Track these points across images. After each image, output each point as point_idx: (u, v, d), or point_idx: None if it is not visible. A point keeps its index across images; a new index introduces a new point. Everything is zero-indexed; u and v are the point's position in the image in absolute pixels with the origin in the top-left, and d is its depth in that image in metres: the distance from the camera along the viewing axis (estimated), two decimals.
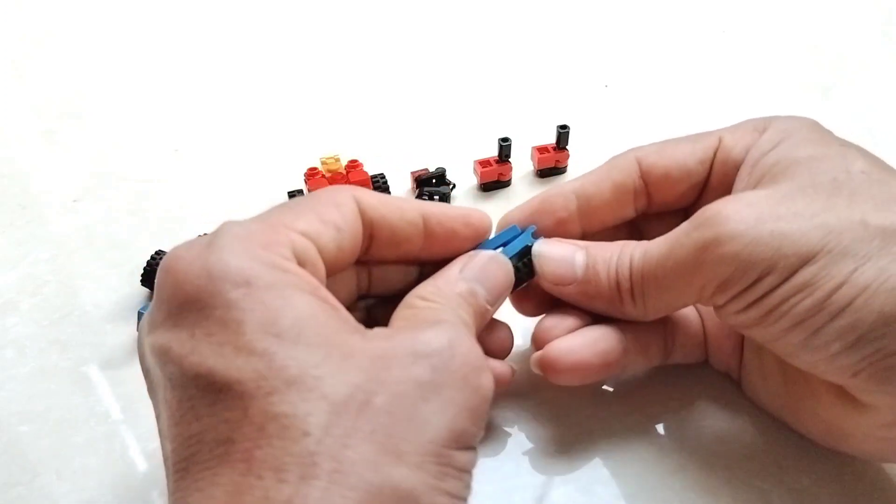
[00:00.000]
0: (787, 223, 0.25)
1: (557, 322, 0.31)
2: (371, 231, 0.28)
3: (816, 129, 0.29)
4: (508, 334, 0.31)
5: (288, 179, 0.45)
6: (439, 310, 0.26)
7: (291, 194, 0.43)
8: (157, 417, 0.24)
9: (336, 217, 0.26)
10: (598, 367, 0.30)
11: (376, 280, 0.30)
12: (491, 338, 0.31)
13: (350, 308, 0.27)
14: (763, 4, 0.65)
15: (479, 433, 0.24)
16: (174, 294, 0.23)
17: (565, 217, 0.31)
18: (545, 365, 0.30)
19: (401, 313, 0.27)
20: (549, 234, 0.31)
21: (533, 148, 0.46)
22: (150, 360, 0.23)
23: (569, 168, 0.47)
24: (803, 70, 0.57)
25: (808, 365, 0.26)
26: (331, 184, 0.42)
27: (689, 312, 0.33)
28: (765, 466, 0.30)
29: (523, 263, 0.30)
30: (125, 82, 0.57)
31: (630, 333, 0.31)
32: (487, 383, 0.24)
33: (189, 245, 0.24)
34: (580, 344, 0.30)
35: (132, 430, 0.33)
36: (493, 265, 0.29)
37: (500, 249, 0.30)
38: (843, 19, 0.63)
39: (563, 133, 0.45)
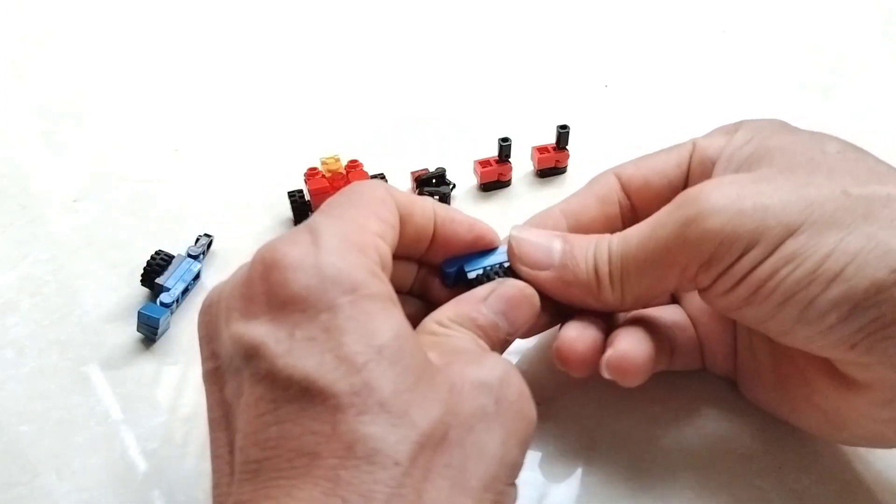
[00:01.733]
0: (769, 197, 0.25)
1: (580, 332, 0.30)
2: (401, 227, 0.27)
3: (786, 125, 0.30)
4: None
5: (288, 179, 0.45)
6: (459, 339, 0.26)
7: (291, 194, 0.43)
8: (217, 403, 0.23)
9: (388, 216, 0.26)
10: (653, 363, 0.30)
11: None
12: None
13: None
14: (763, 4, 0.65)
15: (523, 466, 0.24)
16: (279, 289, 0.22)
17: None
18: (617, 368, 0.29)
19: (420, 339, 0.26)
20: None
21: (533, 148, 0.46)
22: (230, 348, 0.23)
23: (569, 168, 0.47)
24: (803, 70, 0.57)
25: (804, 341, 0.26)
26: (331, 184, 0.42)
27: (684, 320, 0.33)
28: (765, 466, 0.30)
29: (503, 272, 0.30)
30: (125, 82, 0.57)
31: (659, 329, 0.31)
32: (535, 414, 0.24)
33: (292, 241, 0.23)
34: (637, 341, 0.29)
35: (132, 430, 0.33)
36: (520, 297, 0.28)
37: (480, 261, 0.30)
38: (843, 19, 0.63)
39: (563, 133, 0.45)
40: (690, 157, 0.31)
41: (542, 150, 0.46)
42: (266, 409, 0.21)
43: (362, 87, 0.55)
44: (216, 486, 0.22)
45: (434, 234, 0.29)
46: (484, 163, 0.45)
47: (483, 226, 0.30)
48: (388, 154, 0.47)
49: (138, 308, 0.36)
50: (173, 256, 0.39)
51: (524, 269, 0.30)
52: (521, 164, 0.46)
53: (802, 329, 0.25)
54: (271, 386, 0.21)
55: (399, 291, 0.30)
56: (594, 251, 0.29)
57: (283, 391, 0.21)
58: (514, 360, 0.35)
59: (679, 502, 0.30)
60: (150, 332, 0.36)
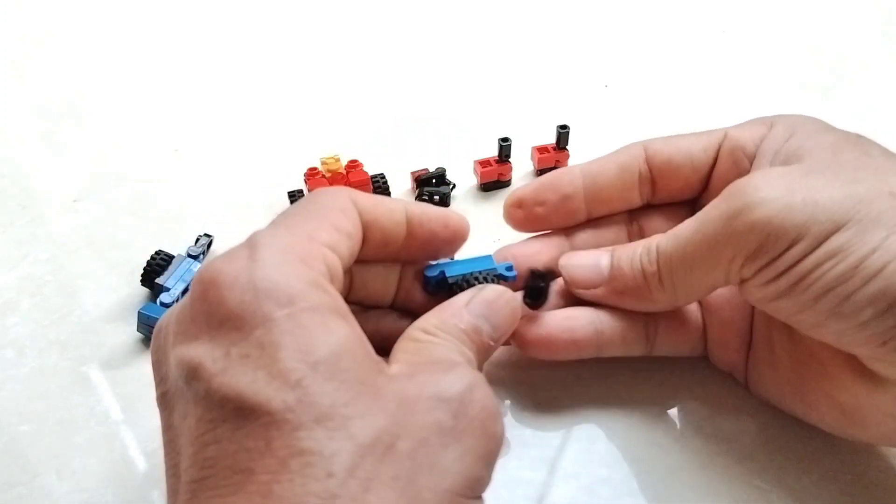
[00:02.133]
0: (818, 192, 0.25)
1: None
2: (365, 233, 0.27)
3: (826, 125, 0.30)
4: None
5: (288, 179, 0.45)
6: (445, 347, 0.26)
7: (291, 194, 0.43)
8: (167, 427, 0.23)
9: (346, 224, 0.26)
10: (565, 343, 0.31)
11: (357, 285, 0.30)
12: None
13: None
14: (763, 4, 0.65)
15: (489, 481, 0.23)
16: (215, 309, 0.22)
17: (570, 192, 0.32)
18: (515, 336, 0.31)
19: (405, 346, 0.26)
20: (555, 209, 0.32)
21: (533, 148, 0.46)
22: (175, 371, 0.23)
23: None
24: (803, 70, 0.57)
25: (835, 335, 0.26)
26: (331, 184, 0.42)
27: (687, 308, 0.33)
28: (765, 466, 0.30)
29: (483, 277, 0.30)
30: (125, 82, 0.57)
31: (607, 317, 0.31)
32: (501, 430, 0.24)
33: (230, 258, 0.23)
34: (549, 319, 0.31)
35: (132, 430, 0.33)
36: (500, 301, 0.28)
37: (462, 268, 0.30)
38: (843, 19, 0.63)
39: (563, 133, 0.45)
40: (720, 144, 0.31)
41: (542, 150, 0.46)
42: (205, 429, 0.21)
43: (362, 87, 0.55)
44: None
45: (411, 235, 0.29)
46: (484, 163, 0.45)
47: (456, 220, 0.30)
48: (388, 154, 0.47)
49: (138, 308, 0.36)
50: (173, 256, 0.39)
51: (580, 292, 0.31)
52: (521, 164, 0.46)
53: (836, 323, 0.25)
54: (208, 406, 0.21)
55: (381, 302, 0.30)
56: (639, 256, 0.29)
57: (219, 410, 0.21)
58: (511, 363, 0.35)
59: (679, 502, 0.30)
60: (150, 332, 0.36)
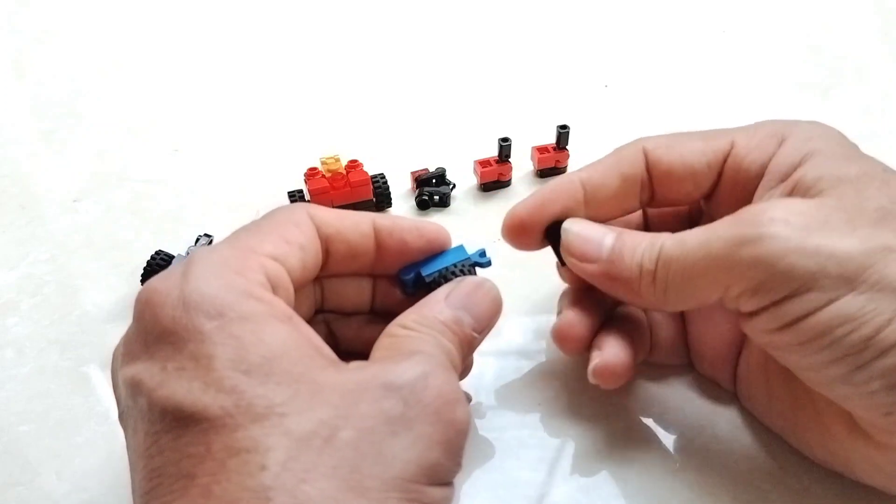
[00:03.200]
0: (834, 241, 0.24)
1: (578, 319, 0.31)
2: (327, 246, 0.28)
3: (846, 144, 0.28)
4: (470, 360, 0.31)
5: (288, 179, 0.45)
6: (420, 339, 0.25)
7: (291, 194, 0.43)
8: (127, 447, 0.24)
9: (298, 236, 0.26)
10: (634, 367, 0.31)
11: (330, 294, 0.30)
12: None
13: (310, 322, 0.27)
14: (763, 4, 0.65)
15: (455, 468, 0.23)
16: (151, 326, 0.23)
17: (572, 206, 0.31)
18: (605, 374, 0.30)
19: (382, 342, 0.26)
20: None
21: (533, 148, 0.46)
22: (123, 391, 0.24)
23: (569, 168, 0.47)
24: (803, 70, 0.57)
25: (839, 397, 0.25)
26: (331, 184, 0.42)
27: (665, 315, 0.33)
28: (765, 466, 0.30)
29: (459, 270, 0.30)
30: (125, 82, 0.57)
31: (639, 329, 0.32)
32: (463, 416, 0.23)
33: (166, 276, 0.24)
34: (620, 349, 0.30)
35: None
36: (480, 292, 0.28)
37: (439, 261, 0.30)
38: (843, 20, 0.63)
39: (563, 133, 0.45)
40: (725, 158, 0.30)
41: (542, 150, 0.46)
42: (150, 441, 0.22)
43: (362, 87, 0.55)
44: None
45: (382, 247, 0.29)
46: (484, 163, 0.45)
47: (431, 227, 0.30)
48: (388, 154, 0.47)
49: None
50: (173, 256, 0.39)
51: (572, 261, 0.30)
52: (522, 164, 0.46)
53: (843, 388, 0.24)
54: (151, 420, 0.22)
55: (359, 309, 0.30)
56: (643, 250, 0.28)
57: (160, 423, 0.22)
58: (514, 362, 0.35)
59: (679, 502, 0.30)
60: None
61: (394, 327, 0.26)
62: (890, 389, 0.23)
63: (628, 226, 0.32)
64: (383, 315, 0.30)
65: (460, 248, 0.30)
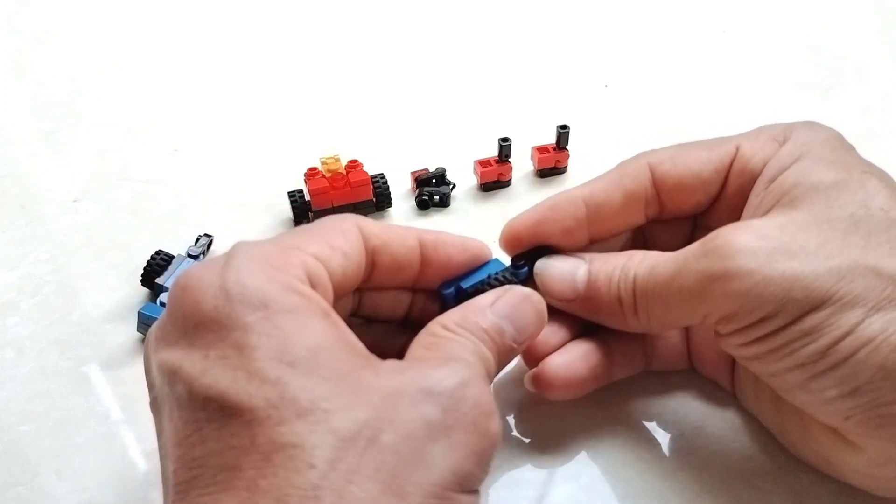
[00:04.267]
0: (800, 263, 0.24)
1: (547, 333, 0.30)
2: (373, 258, 0.28)
3: (838, 147, 0.28)
4: None
5: (288, 179, 0.45)
6: (460, 344, 0.25)
7: (291, 194, 0.43)
8: (159, 434, 0.24)
9: (343, 243, 0.26)
10: (589, 381, 0.31)
11: (366, 303, 0.30)
12: None
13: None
14: (763, 4, 0.65)
15: (484, 477, 0.23)
16: (191, 314, 0.23)
17: (573, 226, 0.31)
18: (541, 383, 0.30)
19: (422, 340, 0.26)
20: (555, 242, 0.31)
21: (533, 148, 0.46)
22: (158, 377, 0.23)
23: (569, 168, 0.47)
24: (803, 70, 0.57)
25: (801, 403, 0.26)
26: (331, 184, 0.42)
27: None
28: (765, 466, 0.30)
29: (497, 280, 0.30)
30: (125, 82, 0.57)
31: (615, 345, 0.31)
32: (496, 428, 0.23)
33: (206, 265, 0.24)
34: (571, 360, 0.30)
35: (132, 430, 0.33)
36: (527, 304, 0.28)
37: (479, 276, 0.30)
38: (843, 20, 0.63)
39: (563, 133, 0.45)
40: (731, 163, 0.30)
41: (542, 150, 0.46)
42: (190, 430, 0.22)
43: (362, 87, 0.55)
44: None
45: (426, 261, 0.29)
46: (484, 163, 0.45)
47: (475, 243, 0.30)
48: (388, 154, 0.47)
49: (138, 308, 0.36)
50: (173, 256, 0.39)
51: (554, 302, 0.30)
52: (521, 164, 0.46)
53: (802, 394, 0.26)
54: (192, 408, 0.22)
55: (390, 320, 0.30)
56: (617, 283, 0.29)
57: (203, 411, 0.21)
58: (514, 362, 0.35)
59: (679, 502, 0.30)
60: None
61: (435, 326, 0.26)
62: (845, 397, 0.24)
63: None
64: (410, 327, 0.30)
65: (495, 260, 0.30)
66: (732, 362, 0.32)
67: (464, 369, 0.24)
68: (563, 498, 0.30)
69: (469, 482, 0.22)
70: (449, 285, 0.30)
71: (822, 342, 0.24)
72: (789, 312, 0.24)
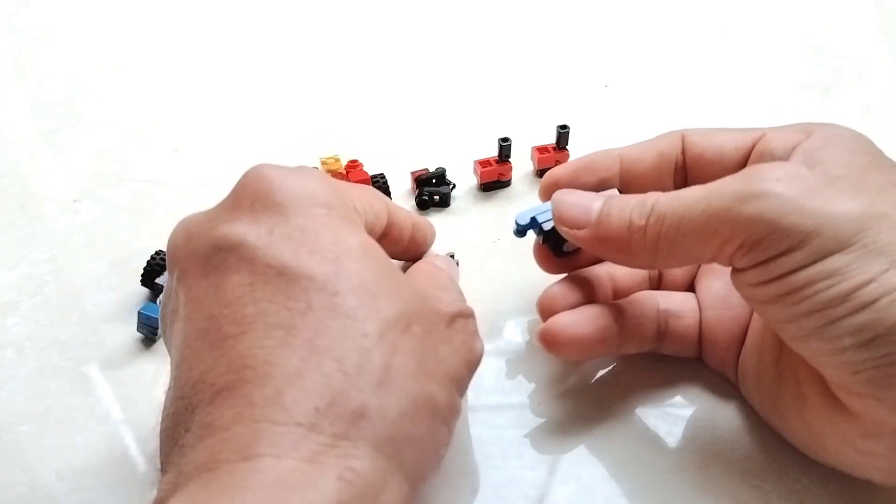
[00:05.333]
0: (834, 205, 0.24)
1: (561, 292, 0.33)
2: (386, 229, 0.31)
3: (869, 143, 0.29)
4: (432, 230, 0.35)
5: None
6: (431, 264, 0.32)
7: None
8: (187, 301, 0.25)
9: (376, 205, 0.30)
10: (595, 343, 0.31)
11: None
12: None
13: None
14: (763, 4, 0.65)
15: (467, 386, 0.28)
16: (263, 196, 0.25)
17: (608, 177, 0.32)
18: (548, 337, 0.31)
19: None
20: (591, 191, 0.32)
21: (533, 148, 0.46)
22: (212, 248, 0.25)
23: None
24: (803, 70, 0.57)
25: (812, 352, 0.26)
26: None
27: (685, 308, 0.33)
28: (765, 466, 0.30)
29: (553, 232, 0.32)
30: (125, 82, 0.57)
31: (627, 313, 0.32)
32: (480, 348, 0.28)
33: (275, 166, 0.27)
34: (580, 319, 0.31)
35: (132, 430, 0.33)
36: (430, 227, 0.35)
37: (534, 214, 0.32)
38: (843, 20, 0.63)
39: (563, 133, 0.45)
40: (754, 145, 0.30)
41: (542, 150, 0.46)
42: (243, 291, 0.23)
43: (362, 87, 0.55)
44: (188, 369, 0.23)
45: (412, 239, 0.33)
46: (484, 163, 0.45)
47: (432, 231, 0.35)
48: (388, 154, 0.47)
49: (138, 308, 0.36)
50: None
51: (564, 230, 0.31)
52: (521, 164, 0.46)
53: (816, 341, 0.25)
54: (250, 272, 0.24)
55: None
56: (631, 208, 0.28)
57: (261, 275, 0.23)
58: (514, 362, 0.35)
59: (679, 502, 0.30)
60: (150, 332, 0.36)
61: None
62: (859, 347, 0.24)
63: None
64: None
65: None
66: (742, 347, 0.32)
67: (459, 300, 0.29)
68: (563, 498, 0.30)
69: (462, 385, 0.27)
70: (524, 225, 0.33)
71: (845, 285, 0.24)
72: (816, 249, 0.24)
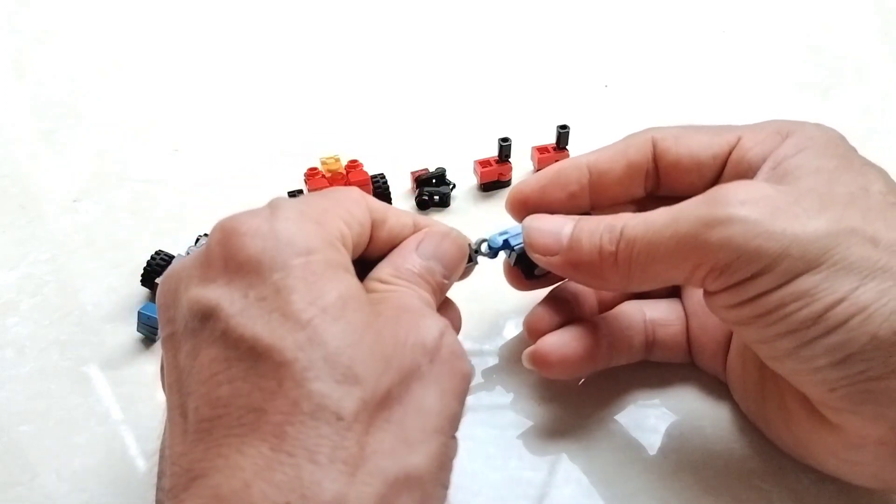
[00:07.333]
0: (801, 224, 0.24)
1: (548, 311, 0.32)
2: (372, 232, 0.28)
3: (840, 145, 0.29)
4: (458, 315, 0.32)
5: (288, 179, 0.45)
6: (403, 293, 0.27)
7: (291, 194, 0.43)
8: (172, 367, 0.24)
9: (357, 213, 0.27)
10: (585, 361, 0.31)
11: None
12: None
13: None
14: (763, 4, 0.65)
15: (462, 414, 0.25)
16: (236, 254, 0.23)
17: (576, 191, 0.32)
18: (538, 360, 0.31)
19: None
20: (560, 206, 0.32)
21: (533, 148, 0.46)
22: (187, 313, 0.24)
23: None
24: (803, 70, 0.57)
25: (789, 371, 0.26)
26: (331, 184, 0.42)
27: (671, 317, 0.33)
28: (765, 466, 0.30)
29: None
30: (125, 82, 0.57)
31: (614, 327, 0.32)
32: (469, 368, 0.25)
33: (251, 213, 0.25)
34: (568, 339, 0.31)
35: (132, 431, 0.33)
36: (447, 242, 0.29)
37: (506, 237, 0.31)
38: (843, 20, 0.63)
39: (563, 133, 0.45)
40: (731, 151, 0.30)
41: (542, 150, 0.46)
42: (219, 368, 0.22)
43: (362, 87, 0.55)
44: (171, 446, 0.23)
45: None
46: (484, 163, 0.45)
47: (461, 238, 0.32)
48: (388, 154, 0.47)
49: (138, 308, 0.36)
50: (173, 256, 0.39)
51: (537, 257, 0.30)
52: (521, 164, 0.46)
53: (791, 362, 0.25)
54: (224, 346, 0.22)
55: None
56: (601, 232, 0.28)
57: (234, 350, 0.22)
58: (514, 363, 0.35)
59: (679, 502, 0.30)
60: (150, 332, 0.36)
61: (372, 282, 0.27)
62: (834, 366, 0.24)
63: None
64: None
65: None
66: (726, 352, 0.32)
67: (439, 319, 0.25)
68: (563, 498, 0.30)
69: (455, 423, 0.24)
70: (498, 246, 0.32)
71: (816, 307, 0.24)
72: (784, 271, 0.24)
